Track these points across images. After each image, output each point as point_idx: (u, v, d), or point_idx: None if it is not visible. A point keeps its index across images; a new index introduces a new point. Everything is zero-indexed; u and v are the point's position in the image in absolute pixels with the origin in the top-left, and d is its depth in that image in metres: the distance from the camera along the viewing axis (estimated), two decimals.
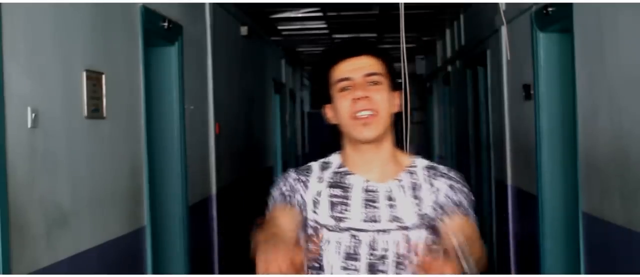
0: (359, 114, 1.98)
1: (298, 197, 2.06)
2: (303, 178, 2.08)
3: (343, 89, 2.00)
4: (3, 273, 2.81)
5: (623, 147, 3.65)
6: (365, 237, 1.99)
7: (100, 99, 3.85)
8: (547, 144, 5.15)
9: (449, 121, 10.31)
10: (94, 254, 3.70)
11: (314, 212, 2.03)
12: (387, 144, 2.06)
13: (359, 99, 1.98)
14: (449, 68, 9.88)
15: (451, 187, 2.07)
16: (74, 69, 3.59)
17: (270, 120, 10.41)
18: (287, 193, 2.07)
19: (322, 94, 2.07)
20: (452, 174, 2.10)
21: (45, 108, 3.21)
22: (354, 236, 1.99)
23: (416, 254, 1.97)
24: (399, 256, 1.98)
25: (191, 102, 5.65)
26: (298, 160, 14.47)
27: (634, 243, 3.55)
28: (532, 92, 5.29)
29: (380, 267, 1.98)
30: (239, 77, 7.85)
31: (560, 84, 5.03)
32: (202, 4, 6.24)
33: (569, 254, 4.93)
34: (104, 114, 3.91)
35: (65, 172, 3.43)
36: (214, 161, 6.36)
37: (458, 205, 2.05)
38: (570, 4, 4.33)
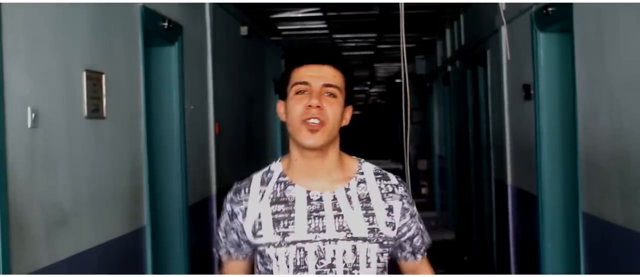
0: (308, 121, 1.99)
1: (237, 232, 2.10)
2: (241, 207, 2.09)
3: (299, 92, 2.02)
4: (3, 273, 2.81)
5: (623, 147, 3.65)
6: (311, 248, 2.00)
7: (100, 99, 3.85)
8: (547, 144, 5.15)
9: (448, 121, 10.31)
10: (94, 254, 3.70)
11: (258, 235, 2.04)
12: (333, 153, 2.07)
13: (312, 106, 1.99)
14: (449, 68, 9.88)
15: (403, 205, 2.11)
16: (74, 69, 3.59)
17: (270, 120, 10.41)
18: (231, 238, 2.12)
19: (280, 90, 2.09)
20: (401, 189, 2.12)
21: (45, 108, 3.21)
22: (300, 249, 2.00)
23: (368, 265, 2.01)
24: (346, 265, 2.00)
25: (191, 102, 5.65)
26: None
27: (634, 243, 3.55)
28: (532, 92, 5.29)
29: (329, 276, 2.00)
30: (239, 77, 7.85)
31: (560, 84, 5.03)
32: (202, 4, 6.24)
33: (569, 254, 4.92)
34: (104, 114, 3.91)
35: (65, 172, 3.43)
36: (214, 161, 6.36)
37: (411, 216, 2.13)
38: (570, 4, 4.33)
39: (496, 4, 6.02)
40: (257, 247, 2.06)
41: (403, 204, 2.10)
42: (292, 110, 2.02)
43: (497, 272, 6.80)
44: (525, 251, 5.86)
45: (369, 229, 2.02)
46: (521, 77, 5.64)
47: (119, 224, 4.12)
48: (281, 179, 2.09)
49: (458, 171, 9.52)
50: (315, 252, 1.99)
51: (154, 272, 4.60)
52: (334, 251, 1.99)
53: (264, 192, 2.08)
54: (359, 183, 2.08)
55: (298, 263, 2.00)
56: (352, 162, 2.13)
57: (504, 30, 5.93)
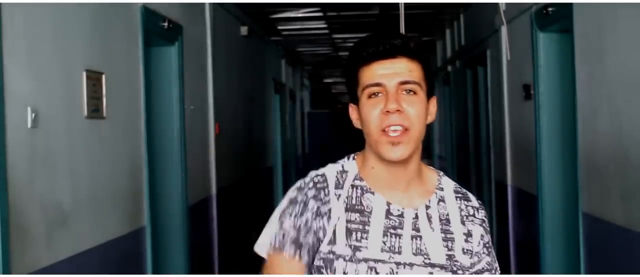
0: (389, 129, 1.70)
1: (316, 235, 1.75)
2: (327, 207, 1.76)
3: (372, 95, 1.72)
4: (3, 273, 2.80)
5: (623, 147, 3.65)
6: (383, 269, 1.72)
7: (100, 99, 3.85)
8: (547, 144, 5.15)
9: (448, 121, 10.31)
10: (94, 254, 3.70)
11: (332, 242, 1.74)
12: (415, 161, 1.79)
13: (390, 112, 1.69)
14: (449, 68, 9.88)
15: (482, 237, 1.83)
16: (74, 69, 3.59)
17: (270, 121, 10.41)
18: (296, 235, 1.75)
19: (349, 92, 1.80)
20: (482, 214, 1.85)
21: (45, 108, 3.21)
22: (371, 268, 1.72)
23: None
24: None
25: (191, 102, 5.65)
26: (298, 160, 14.47)
27: (633, 243, 3.55)
28: (532, 92, 5.29)
29: None
30: (239, 77, 7.85)
31: (560, 84, 5.03)
32: (202, 4, 6.24)
33: (569, 254, 4.92)
34: (104, 114, 3.91)
35: (65, 172, 3.43)
36: (214, 161, 6.35)
37: (485, 247, 1.84)
38: (570, 4, 4.33)
39: (496, 4, 6.02)
40: (319, 259, 1.75)
41: (482, 231, 1.82)
42: (368, 117, 1.72)
43: None
44: (525, 251, 5.86)
45: (446, 255, 1.75)
46: (521, 77, 5.64)
47: (119, 224, 4.12)
48: (357, 182, 1.80)
49: (458, 171, 9.51)
50: (387, 274, 1.72)
51: (154, 273, 4.59)
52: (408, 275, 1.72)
53: (340, 195, 1.78)
54: (439, 201, 1.81)
55: None
56: (431, 174, 1.85)
57: (504, 30, 5.93)
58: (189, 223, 5.43)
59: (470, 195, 1.87)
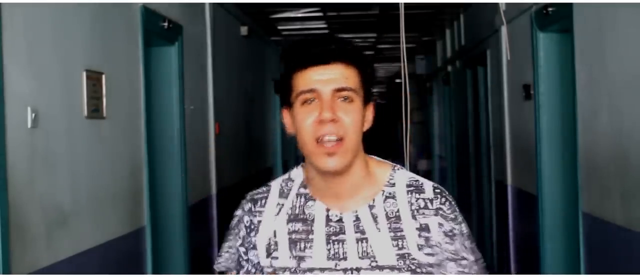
0: (323, 139, 1.62)
1: (246, 249, 1.76)
2: (255, 220, 1.75)
3: (306, 101, 1.65)
4: (3, 273, 2.80)
5: (623, 147, 3.65)
6: None
7: (100, 99, 3.85)
8: (547, 144, 5.15)
9: (448, 121, 10.30)
10: (94, 254, 3.69)
11: (273, 256, 1.71)
12: (357, 167, 1.70)
13: (325, 121, 1.62)
14: (449, 68, 9.88)
15: (444, 233, 1.70)
16: (74, 69, 3.58)
17: (270, 120, 10.41)
18: (237, 255, 1.78)
19: (282, 96, 1.73)
20: (437, 202, 1.71)
21: (45, 108, 3.21)
22: None
23: None
24: None
25: (191, 102, 5.65)
26: (298, 160, 14.42)
27: (634, 243, 3.55)
28: (532, 92, 5.29)
29: None
30: (239, 77, 7.85)
31: (560, 84, 5.03)
32: (202, 4, 6.24)
33: (569, 254, 4.92)
34: (104, 114, 3.91)
35: (65, 172, 3.43)
36: (214, 161, 6.35)
37: (448, 235, 1.70)
38: (570, 4, 4.33)
39: (496, 4, 6.02)
40: (267, 273, 1.72)
41: (439, 220, 1.69)
42: (302, 126, 1.64)
43: (497, 272, 6.79)
44: (525, 251, 5.86)
45: (397, 255, 1.66)
46: (521, 77, 5.64)
47: (119, 224, 4.11)
48: (301, 191, 1.75)
49: (458, 171, 9.51)
50: None
51: (154, 273, 4.59)
52: None
53: (282, 206, 1.74)
54: (386, 198, 1.71)
55: None
56: (382, 171, 1.75)
57: (504, 30, 5.92)
58: (189, 223, 5.43)
59: (426, 185, 1.73)
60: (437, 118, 12.04)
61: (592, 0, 4.02)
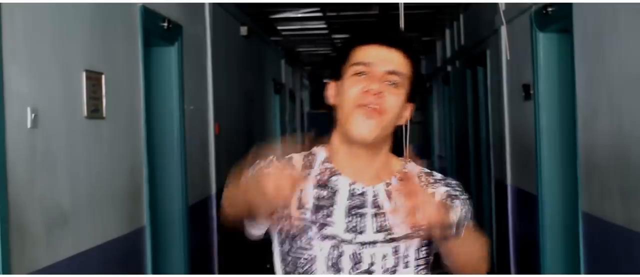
0: (365, 104, 1.71)
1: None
2: (288, 170, 1.66)
3: (358, 74, 1.74)
4: (3, 273, 2.80)
5: (623, 147, 3.65)
6: (348, 249, 1.73)
7: (100, 99, 3.85)
8: (546, 143, 5.15)
9: (448, 121, 10.31)
10: (93, 254, 3.69)
11: (301, 210, 1.76)
12: (382, 151, 1.80)
13: (371, 92, 1.71)
14: (449, 68, 9.88)
15: (449, 192, 1.80)
16: (74, 69, 3.58)
17: (270, 121, 10.41)
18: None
19: (333, 68, 1.81)
20: (449, 180, 1.85)
21: (45, 108, 3.21)
22: (335, 247, 1.74)
23: (406, 266, 1.76)
24: (386, 270, 1.74)
25: (191, 102, 5.65)
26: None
27: (633, 243, 3.55)
28: (531, 92, 5.29)
29: None
30: (238, 77, 7.85)
31: (560, 83, 5.03)
32: (202, 4, 6.24)
33: (568, 254, 4.92)
34: (104, 114, 3.91)
35: (65, 173, 3.43)
36: (214, 161, 6.35)
37: (454, 200, 1.79)
38: (570, 4, 4.33)
39: (496, 4, 6.02)
40: (291, 226, 1.75)
41: (449, 191, 1.79)
42: (347, 92, 1.73)
43: (496, 272, 6.79)
44: (525, 251, 5.86)
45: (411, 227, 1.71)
46: (521, 77, 5.64)
47: (119, 224, 4.11)
48: (326, 165, 1.81)
49: (458, 170, 9.51)
50: (350, 256, 1.73)
51: (154, 273, 4.59)
52: (373, 255, 1.74)
53: (309, 173, 1.79)
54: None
55: (333, 261, 1.74)
56: (397, 162, 1.86)
57: (503, 30, 5.92)
58: (189, 223, 5.43)
59: (435, 173, 1.86)
60: (437, 118, 12.05)
61: (592, 0, 4.02)
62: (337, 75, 1.78)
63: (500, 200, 6.56)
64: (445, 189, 1.81)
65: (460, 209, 1.76)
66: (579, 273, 4.37)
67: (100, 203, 3.83)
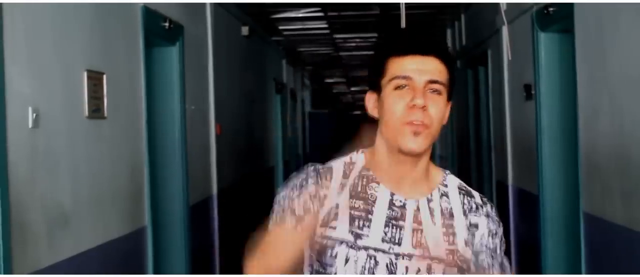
0: (412, 123, 1.71)
1: (312, 214, 1.70)
2: (322, 192, 1.74)
3: (399, 87, 1.73)
4: (4, 273, 2.80)
5: (624, 147, 3.65)
6: (383, 259, 1.74)
7: (101, 99, 3.85)
8: (548, 143, 5.15)
9: (449, 121, 10.28)
10: (94, 254, 3.69)
11: (330, 226, 1.75)
12: (425, 160, 1.81)
13: (417, 106, 1.71)
14: None
15: (490, 230, 1.81)
16: (75, 69, 3.58)
17: (271, 121, 10.40)
18: (300, 210, 1.70)
19: (372, 80, 1.80)
20: (488, 208, 1.84)
21: (46, 108, 3.21)
22: (371, 257, 1.73)
23: None
24: None
25: (192, 102, 5.65)
26: (299, 160, 14.46)
27: (635, 243, 3.55)
28: (533, 92, 5.29)
29: None
30: (239, 77, 7.84)
31: (561, 84, 5.03)
32: (203, 4, 6.23)
33: (570, 254, 4.92)
34: (105, 114, 3.90)
35: (66, 172, 3.42)
36: (215, 161, 6.35)
37: (493, 254, 1.80)
38: (571, 4, 4.33)
39: (497, 4, 6.02)
40: (318, 246, 1.76)
41: (488, 223, 1.81)
42: (392, 109, 1.73)
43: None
44: (526, 251, 5.85)
45: (448, 250, 1.75)
46: (522, 77, 5.64)
47: (120, 224, 4.11)
48: (364, 173, 1.82)
49: (459, 171, 9.50)
50: (387, 265, 1.73)
51: (155, 273, 4.59)
52: (407, 268, 1.73)
53: (345, 185, 1.80)
54: (442, 195, 1.81)
55: (367, 272, 1.73)
56: (437, 172, 1.86)
57: (504, 30, 5.92)
58: (190, 223, 5.42)
59: (474, 192, 1.87)
60: None
61: (593, 0, 4.01)
62: (375, 88, 1.79)
63: (501, 200, 6.56)
64: (485, 220, 1.82)
65: (498, 247, 1.82)
66: (580, 273, 4.37)
67: (101, 203, 3.83)
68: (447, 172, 1.88)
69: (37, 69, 3.17)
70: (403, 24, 5.02)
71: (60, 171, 3.37)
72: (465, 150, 8.72)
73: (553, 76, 5.10)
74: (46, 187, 3.22)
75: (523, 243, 5.95)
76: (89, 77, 3.69)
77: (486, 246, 1.79)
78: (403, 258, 1.73)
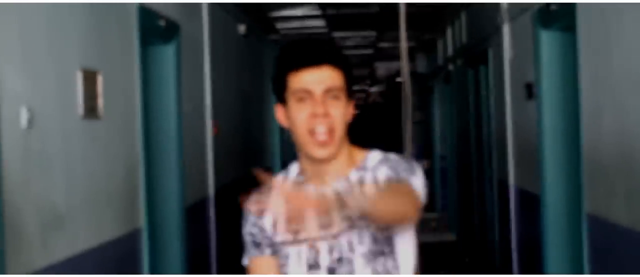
0: (315, 130, 1.92)
1: (263, 232, 2.04)
2: (259, 221, 2.04)
3: (300, 100, 1.93)
4: None
5: (627, 147, 3.62)
6: (323, 246, 1.96)
7: (96, 98, 3.82)
8: (550, 143, 5.12)
9: (450, 120, 10.27)
10: (90, 256, 3.68)
11: (276, 233, 2.01)
12: (342, 155, 1.99)
13: (317, 115, 1.91)
14: (450, 67, 9.83)
15: (389, 167, 1.97)
16: (70, 69, 3.56)
17: (268, 120, 10.37)
18: (252, 239, 2.06)
19: (277, 94, 2.00)
20: (393, 156, 2.01)
21: (41, 108, 3.18)
22: (312, 246, 1.96)
23: (361, 242, 1.94)
24: (361, 254, 1.95)
25: (188, 101, 5.62)
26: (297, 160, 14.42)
27: (638, 244, 3.52)
28: (534, 91, 5.27)
29: (340, 270, 1.95)
30: (236, 77, 7.82)
31: (563, 82, 5.00)
32: (199, 3, 6.21)
33: (572, 255, 4.90)
34: (100, 114, 3.88)
35: (60, 173, 3.40)
36: (212, 162, 6.32)
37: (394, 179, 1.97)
38: (574, 2, 4.28)
39: (498, 2, 5.98)
40: (275, 248, 2.03)
41: (388, 170, 1.97)
42: (296, 120, 1.94)
43: (499, 272, 6.76)
44: (527, 252, 5.83)
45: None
46: (523, 76, 5.61)
47: (115, 225, 4.09)
48: (296, 180, 2.05)
49: (459, 171, 9.48)
50: (327, 250, 1.96)
51: (151, 274, 4.56)
52: (342, 244, 1.95)
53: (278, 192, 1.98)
54: (359, 170, 2.00)
55: (311, 262, 1.96)
56: (360, 155, 2.04)
57: (506, 28, 5.89)
58: (186, 225, 5.41)
59: (391, 156, 2.02)
60: (438, 118, 12.00)
61: None
62: (282, 100, 1.98)
63: (502, 200, 6.53)
64: (386, 164, 1.98)
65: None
66: (582, 274, 4.34)
67: (96, 204, 3.80)
68: (372, 152, 2.04)
69: (31, 68, 3.15)
70: (402, 23, 4.98)
71: (55, 172, 3.35)
72: (465, 150, 8.69)
73: (555, 75, 5.07)
74: (40, 187, 3.19)
75: (525, 244, 5.93)
76: (83, 77, 3.66)
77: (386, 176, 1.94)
78: (338, 236, 1.94)
